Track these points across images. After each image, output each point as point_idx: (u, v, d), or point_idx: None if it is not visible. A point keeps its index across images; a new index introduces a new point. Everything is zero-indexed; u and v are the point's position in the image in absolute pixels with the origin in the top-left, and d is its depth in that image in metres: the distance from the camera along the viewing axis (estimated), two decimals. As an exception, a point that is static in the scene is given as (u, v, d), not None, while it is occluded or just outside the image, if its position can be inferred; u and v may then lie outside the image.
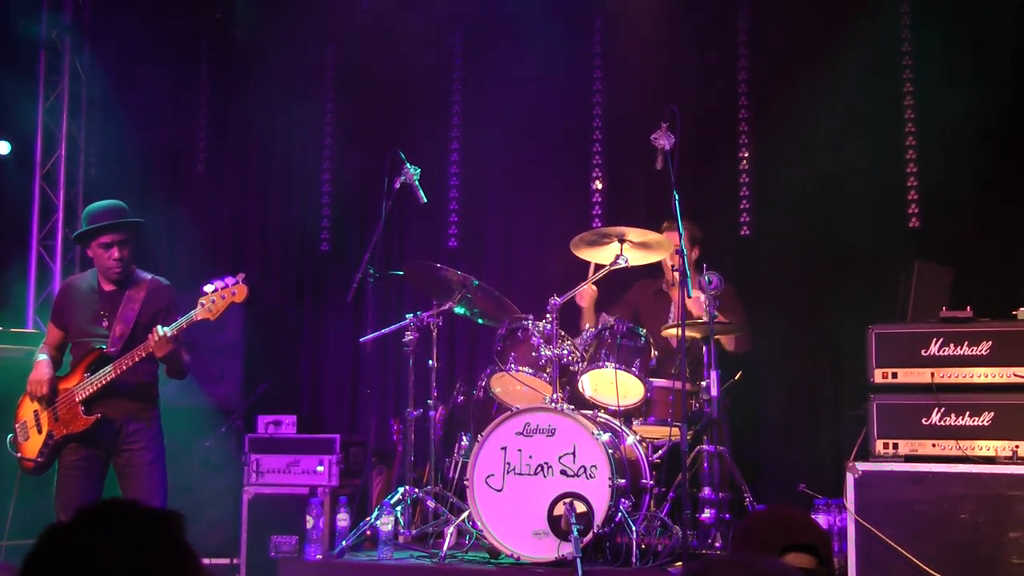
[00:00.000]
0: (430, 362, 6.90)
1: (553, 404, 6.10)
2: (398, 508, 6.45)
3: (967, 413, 5.54)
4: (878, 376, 5.72)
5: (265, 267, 9.13)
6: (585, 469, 5.86)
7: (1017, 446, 5.42)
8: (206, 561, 6.79)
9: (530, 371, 6.46)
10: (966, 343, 5.61)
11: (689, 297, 5.97)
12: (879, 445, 5.63)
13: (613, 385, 6.37)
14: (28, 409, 5.81)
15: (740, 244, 8.09)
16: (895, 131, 7.80)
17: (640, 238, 6.48)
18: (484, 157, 8.65)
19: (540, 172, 8.56)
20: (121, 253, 5.77)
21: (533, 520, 5.80)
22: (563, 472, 5.91)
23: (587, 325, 6.95)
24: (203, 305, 5.56)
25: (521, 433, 6.04)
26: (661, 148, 6.08)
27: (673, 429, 6.27)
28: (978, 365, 5.58)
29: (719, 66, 8.28)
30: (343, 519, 6.43)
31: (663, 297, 7.35)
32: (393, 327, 7.02)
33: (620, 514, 5.82)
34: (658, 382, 6.55)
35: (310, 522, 6.40)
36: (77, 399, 5.66)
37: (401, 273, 7.24)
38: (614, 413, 6.44)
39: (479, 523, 6.00)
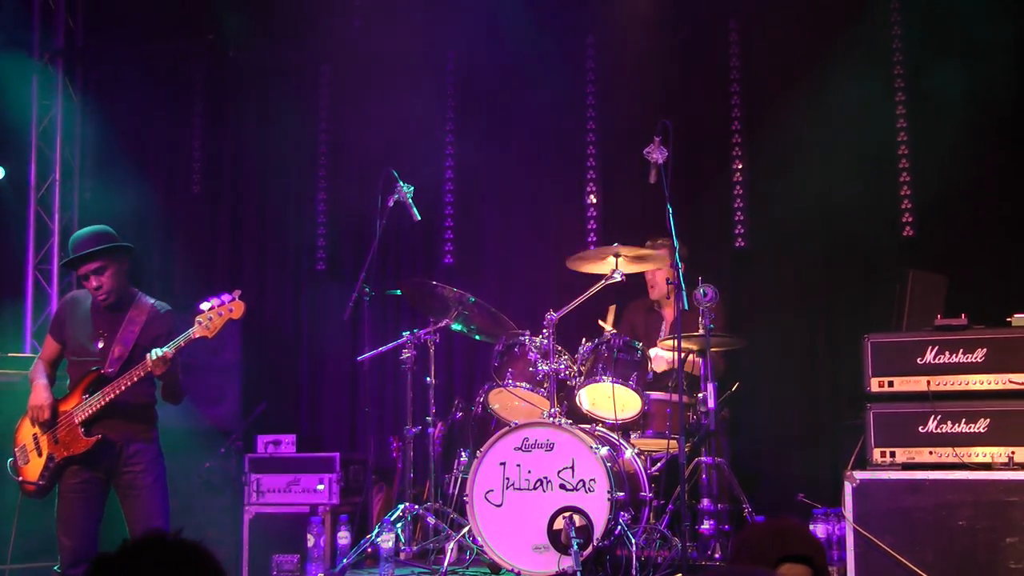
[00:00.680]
0: (428, 379, 6.92)
1: (551, 419, 6.11)
2: (399, 525, 6.46)
3: (963, 420, 5.57)
4: (874, 385, 5.74)
5: (262, 287, 9.15)
6: (584, 483, 5.87)
7: (1013, 452, 5.45)
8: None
9: (528, 386, 6.47)
10: (961, 351, 5.63)
11: (685, 309, 5.98)
12: (876, 454, 5.65)
13: (611, 399, 6.38)
14: (27, 432, 5.81)
15: (735, 256, 8.12)
16: (888, 141, 7.85)
17: (635, 255, 6.51)
18: (478, 174, 8.69)
19: (534, 187, 8.59)
20: (99, 281, 5.74)
21: (533, 535, 5.81)
22: (562, 486, 5.92)
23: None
24: (200, 323, 5.56)
25: (520, 448, 6.05)
26: (655, 162, 6.10)
27: (671, 442, 6.28)
28: (974, 372, 5.61)
29: (711, 80, 8.33)
30: (344, 537, 6.44)
31: (656, 316, 7.38)
32: (391, 345, 7.04)
33: (619, 527, 5.83)
34: (655, 395, 6.57)
35: (311, 540, 6.41)
36: (77, 420, 5.65)
37: (398, 291, 7.26)
38: (612, 427, 6.46)
39: (479, 539, 6.01)
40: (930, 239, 7.72)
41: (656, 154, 6.11)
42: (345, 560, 6.34)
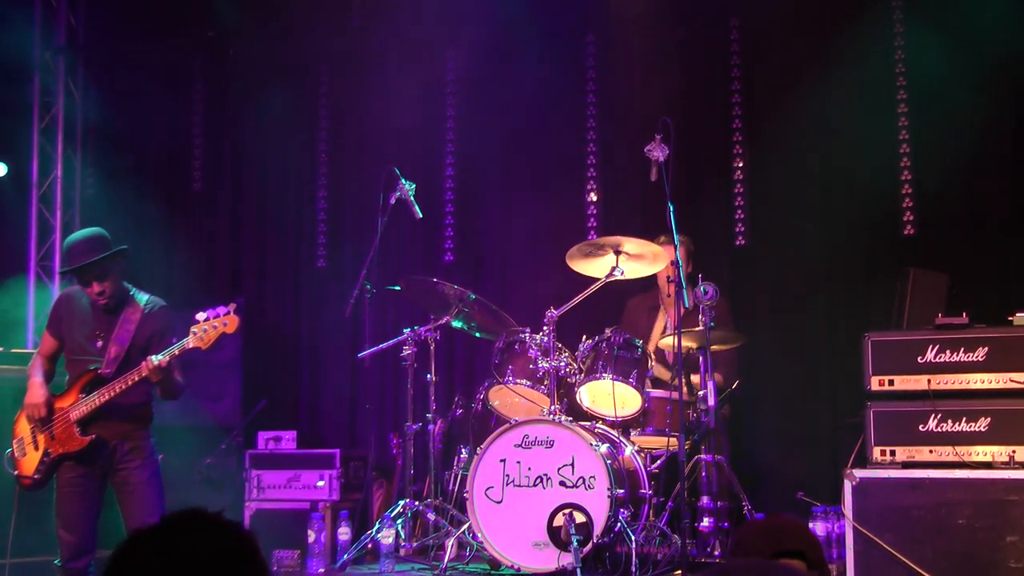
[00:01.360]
0: (428, 376, 6.93)
1: (551, 416, 6.12)
2: (399, 521, 6.47)
3: (964, 419, 5.57)
4: (875, 383, 5.74)
5: (262, 284, 9.16)
6: (584, 480, 5.88)
7: (1014, 451, 5.45)
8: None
9: (528, 383, 6.47)
10: (962, 349, 5.64)
11: (686, 307, 5.98)
12: (876, 452, 5.65)
13: (611, 396, 6.38)
14: (25, 426, 5.82)
15: (735, 254, 8.12)
16: (889, 139, 7.85)
17: (636, 249, 6.51)
18: (479, 171, 8.69)
19: (535, 185, 8.59)
20: (102, 287, 5.77)
21: (533, 531, 5.82)
22: (562, 483, 5.93)
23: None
24: (195, 334, 5.58)
25: (520, 445, 6.06)
26: (655, 160, 6.10)
27: (671, 439, 6.28)
28: (974, 371, 5.61)
29: (712, 77, 8.32)
30: (344, 533, 6.45)
31: (657, 315, 7.38)
32: (391, 342, 7.05)
33: (619, 524, 5.84)
34: (655, 392, 6.57)
35: (312, 536, 6.42)
36: (72, 418, 5.67)
37: (398, 288, 7.27)
38: (612, 424, 6.47)
39: (479, 535, 6.01)
40: (931, 238, 7.72)
41: (657, 152, 6.11)
42: (346, 556, 6.36)
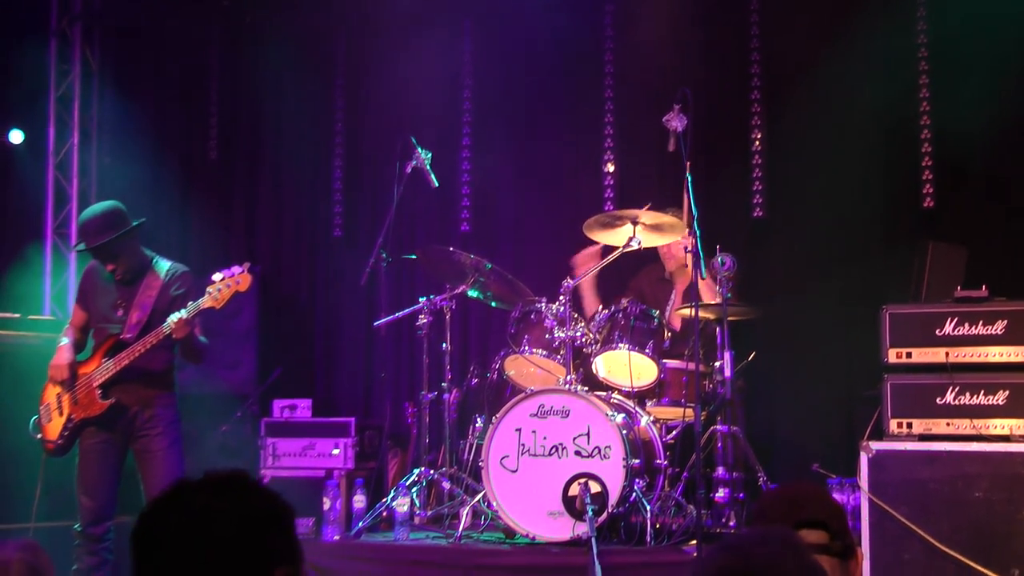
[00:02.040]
0: (444, 345, 6.93)
1: (567, 386, 6.11)
2: (414, 490, 6.49)
3: (982, 392, 5.54)
4: (892, 356, 5.72)
5: (278, 253, 9.17)
6: (599, 450, 5.89)
7: (1032, 424, 5.43)
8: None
9: (544, 353, 6.47)
10: (981, 322, 5.60)
11: (702, 279, 5.96)
12: (893, 424, 5.64)
13: (627, 366, 6.38)
14: (52, 392, 5.90)
15: (753, 225, 8.09)
16: (910, 111, 7.79)
17: (654, 220, 6.48)
18: (495, 141, 8.65)
19: (552, 155, 8.56)
20: (117, 264, 5.83)
21: (548, 500, 5.82)
22: (577, 453, 5.93)
23: (592, 310, 6.94)
24: (210, 294, 5.61)
25: (535, 415, 6.06)
26: (673, 130, 6.07)
27: (687, 410, 6.28)
28: (993, 344, 5.57)
29: (731, 47, 8.27)
30: (359, 501, 6.46)
31: (666, 285, 7.36)
32: (407, 311, 7.05)
33: (634, 494, 5.84)
34: (671, 363, 6.56)
35: (327, 504, 6.44)
36: (94, 383, 5.72)
37: (414, 256, 7.25)
38: (628, 394, 6.46)
39: (494, 504, 6.02)
40: (950, 210, 7.66)
41: (675, 122, 6.08)
42: (361, 524, 6.37)
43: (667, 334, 6.57)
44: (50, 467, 6.10)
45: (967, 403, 5.54)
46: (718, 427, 6.22)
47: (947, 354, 5.61)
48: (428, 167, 6.95)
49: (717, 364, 6.23)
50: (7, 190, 9.17)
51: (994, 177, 7.59)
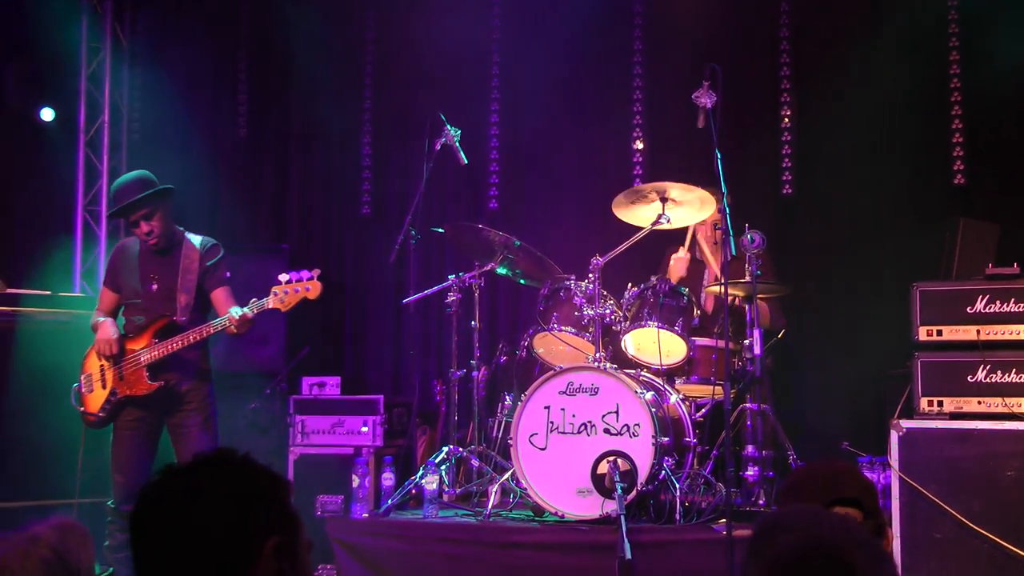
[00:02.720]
0: (472, 323, 6.93)
1: (596, 363, 6.10)
2: (443, 467, 6.50)
3: (1014, 370, 5.52)
4: (922, 334, 5.70)
5: (307, 230, 9.18)
6: (628, 428, 5.88)
7: (1064, 403, 5.40)
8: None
9: (573, 331, 6.46)
10: (1013, 300, 5.57)
11: (733, 256, 5.93)
12: (924, 403, 5.62)
13: (656, 344, 6.36)
14: (95, 363, 5.92)
15: (781, 203, 8.05)
16: (940, 87, 7.73)
17: (683, 196, 6.46)
18: (524, 118, 8.64)
19: (580, 132, 8.54)
20: (150, 226, 5.84)
21: (577, 478, 5.83)
22: (606, 431, 5.93)
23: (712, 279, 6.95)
24: (276, 295, 5.66)
25: (564, 392, 6.05)
26: (703, 106, 6.03)
27: (716, 388, 6.26)
28: (1025, 322, 5.54)
29: (761, 23, 8.22)
30: (388, 478, 6.48)
31: (698, 265, 7.33)
32: (435, 288, 7.06)
33: (664, 472, 5.84)
34: (701, 341, 6.54)
35: (356, 481, 6.46)
36: (143, 361, 5.75)
37: (442, 230, 7.25)
38: (657, 372, 6.45)
39: (523, 482, 6.03)
40: (982, 187, 7.61)
41: (705, 98, 6.04)
42: (390, 501, 6.39)
43: (696, 312, 6.55)
44: (89, 444, 6.15)
45: (999, 381, 5.51)
46: (747, 405, 6.21)
47: (978, 332, 5.58)
48: (457, 144, 6.94)
49: (746, 342, 6.21)
50: (38, 167, 9.23)
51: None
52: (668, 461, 5.89)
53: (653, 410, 5.85)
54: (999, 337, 5.55)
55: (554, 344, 6.71)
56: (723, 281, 5.82)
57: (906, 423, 5.53)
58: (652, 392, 6.07)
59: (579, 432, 5.98)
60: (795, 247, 7.82)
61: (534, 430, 6.07)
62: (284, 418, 7.47)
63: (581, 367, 6.12)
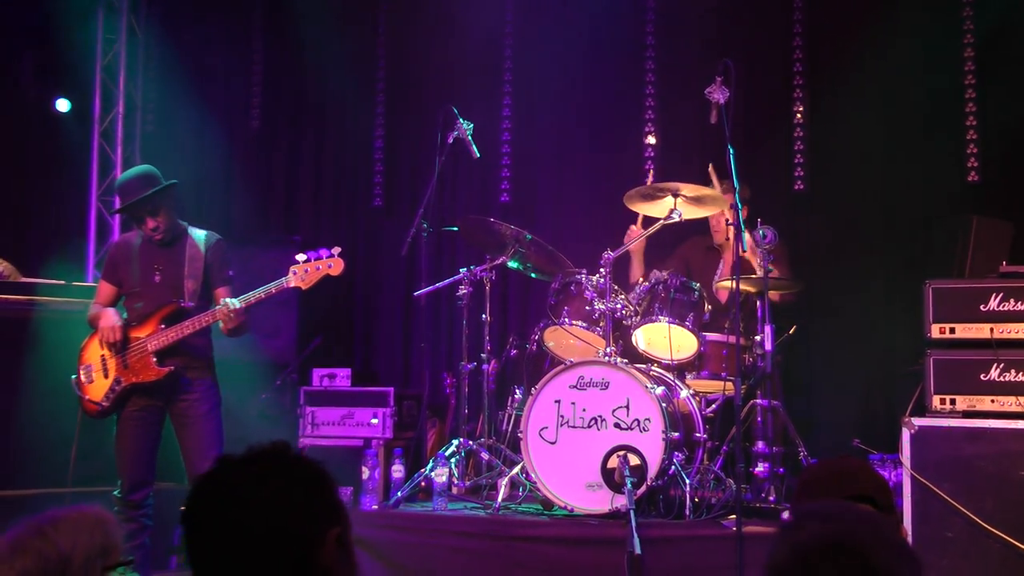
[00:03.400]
0: (483, 316, 6.93)
1: (607, 358, 6.09)
2: (452, 460, 6.50)
3: (1027, 369, 5.49)
4: (935, 331, 5.67)
5: (318, 222, 9.20)
6: (639, 422, 5.87)
7: (1078, 402, 5.37)
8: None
9: (583, 325, 6.45)
10: (1027, 298, 5.54)
11: (744, 252, 5.91)
12: (936, 401, 5.59)
13: (667, 339, 6.35)
14: (95, 352, 5.91)
15: (794, 199, 8.03)
16: (954, 83, 7.70)
17: (694, 193, 6.44)
18: (536, 112, 8.64)
19: (592, 127, 8.53)
20: (156, 222, 5.86)
21: (587, 473, 5.82)
22: (616, 425, 5.92)
23: (638, 277, 6.95)
24: (295, 274, 5.66)
25: (575, 386, 6.04)
26: (715, 102, 6.00)
27: (727, 383, 6.25)
28: (1040, 321, 5.51)
29: (773, 18, 8.19)
30: (398, 470, 6.48)
31: (714, 254, 7.32)
32: (447, 281, 7.06)
33: (673, 467, 5.82)
34: (711, 336, 6.52)
35: (366, 473, 6.46)
36: (150, 348, 5.75)
37: (456, 228, 7.25)
38: (667, 367, 6.43)
39: (533, 475, 6.02)
40: (996, 185, 7.58)
41: (717, 94, 6.02)
42: (399, 493, 6.39)
43: (707, 307, 6.54)
44: (86, 431, 6.15)
45: (1012, 380, 5.49)
46: (758, 401, 6.18)
47: (992, 330, 5.55)
48: (470, 137, 6.94)
49: (757, 338, 6.19)
50: (53, 158, 9.27)
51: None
52: (678, 456, 5.87)
53: (663, 405, 5.83)
54: (1013, 335, 5.53)
55: (565, 338, 6.70)
56: (735, 276, 5.80)
57: (918, 421, 5.50)
58: (662, 387, 6.06)
59: (589, 426, 5.97)
60: (807, 243, 7.80)
61: (544, 424, 6.06)
62: (294, 409, 7.48)
63: (592, 361, 6.11)
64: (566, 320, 6.48)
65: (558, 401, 6.05)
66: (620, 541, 5.17)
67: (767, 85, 8.13)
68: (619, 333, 6.47)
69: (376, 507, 6.41)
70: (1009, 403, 5.45)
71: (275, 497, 2.02)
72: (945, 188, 7.68)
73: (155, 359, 5.74)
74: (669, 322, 6.30)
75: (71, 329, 6.82)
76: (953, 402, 5.56)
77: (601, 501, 5.74)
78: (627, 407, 5.90)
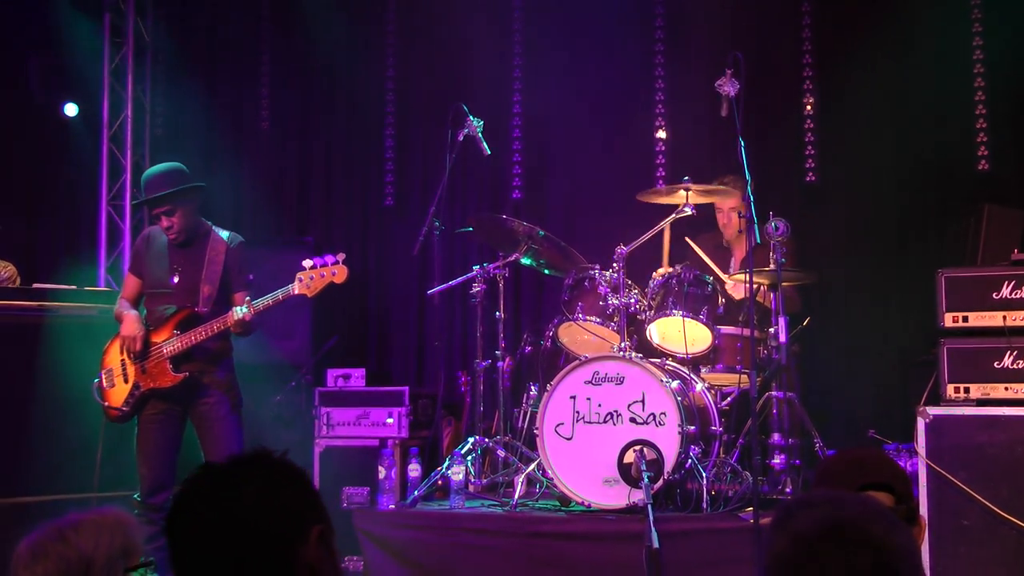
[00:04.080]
0: (497, 313, 6.93)
1: (621, 353, 6.10)
2: (469, 458, 6.51)
3: (1041, 356, 5.48)
4: (948, 320, 5.65)
5: (329, 222, 9.21)
6: (654, 416, 5.87)
7: (1092, 389, 5.36)
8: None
9: (598, 320, 6.45)
10: (1039, 286, 5.54)
11: (757, 243, 5.91)
12: (950, 389, 5.58)
13: (681, 333, 6.35)
14: (115, 357, 5.94)
15: (805, 191, 8.03)
16: (964, 73, 7.69)
17: (703, 190, 6.47)
18: (546, 107, 8.62)
19: (603, 121, 8.52)
20: (170, 222, 5.86)
21: (603, 468, 5.83)
22: (632, 420, 5.93)
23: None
24: (301, 280, 5.67)
25: (590, 382, 6.05)
26: (726, 95, 6.01)
27: (742, 376, 6.25)
28: (1052, 308, 5.50)
29: (783, 11, 8.19)
30: (414, 469, 6.50)
31: (724, 252, 7.33)
32: (460, 279, 7.07)
33: (690, 461, 5.83)
34: (726, 329, 6.52)
35: (382, 473, 6.47)
36: (166, 354, 5.77)
37: (471, 229, 7.26)
38: (682, 361, 6.43)
39: (549, 471, 6.03)
40: (1007, 173, 7.57)
41: (728, 87, 6.02)
42: (416, 492, 6.40)
43: (721, 300, 6.54)
44: (107, 436, 6.18)
45: (1026, 367, 5.48)
46: (773, 393, 6.18)
47: (1004, 318, 5.54)
48: (480, 135, 6.95)
49: (772, 330, 6.20)
50: (62, 162, 9.30)
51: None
52: (694, 450, 5.88)
53: (679, 399, 5.84)
54: (1026, 323, 5.52)
55: (579, 334, 6.71)
56: (748, 269, 5.81)
57: (932, 410, 5.50)
58: (678, 381, 6.06)
59: (605, 421, 5.98)
60: (820, 234, 7.80)
61: (560, 420, 6.07)
62: (309, 410, 7.50)
63: (606, 356, 6.12)
64: (580, 316, 6.49)
65: (573, 397, 6.06)
66: (638, 536, 5.19)
67: (777, 77, 8.13)
68: (633, 328, 6.48)
69: (393, 506, 6.43)
70: (1022, 390, 5.44)
71: (257, 497, 2.06)
72: (956, 177, 7.68)
73: (171, 365, 5.77)
74: (683, 316, 6.30)
75: (82, 334, 6.85)
76: (967, 390, 5.56)
77: (618, 496, 5.76)
78: (643, 401, 5.92)
